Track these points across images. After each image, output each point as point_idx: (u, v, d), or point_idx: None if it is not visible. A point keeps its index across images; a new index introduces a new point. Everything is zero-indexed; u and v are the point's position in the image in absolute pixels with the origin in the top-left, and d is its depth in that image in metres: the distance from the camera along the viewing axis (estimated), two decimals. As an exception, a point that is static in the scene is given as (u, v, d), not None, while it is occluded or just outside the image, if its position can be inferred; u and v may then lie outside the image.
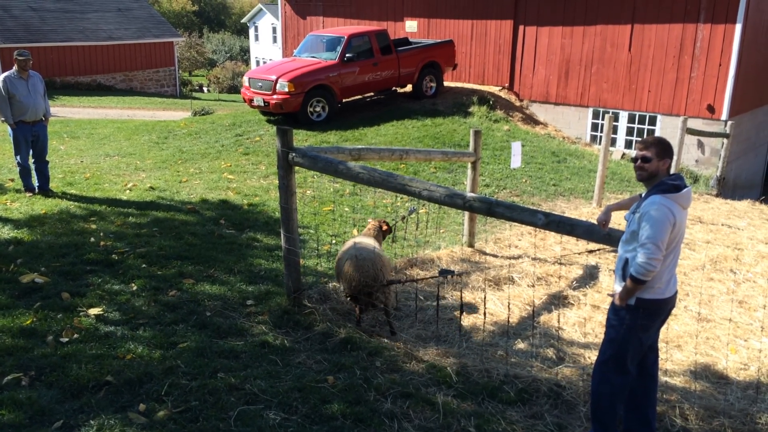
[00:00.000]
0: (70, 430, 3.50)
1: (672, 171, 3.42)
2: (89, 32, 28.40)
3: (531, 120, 15.66)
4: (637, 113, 14.61)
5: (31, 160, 8.38)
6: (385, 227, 5.91)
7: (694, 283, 6.57)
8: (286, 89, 13.33)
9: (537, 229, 4.31)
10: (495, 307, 5.92)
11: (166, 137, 13.47)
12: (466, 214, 7.41)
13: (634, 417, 3.63)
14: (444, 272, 5.64)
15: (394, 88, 15.71)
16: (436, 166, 11.10)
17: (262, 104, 13.82)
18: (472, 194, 4.43)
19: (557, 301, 6.10)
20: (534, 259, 7.13)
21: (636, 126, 14.69)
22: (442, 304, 5.80)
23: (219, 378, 4.06)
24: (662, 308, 3.41)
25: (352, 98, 15.31)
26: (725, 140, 12.42)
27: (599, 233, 3.74)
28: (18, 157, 8.28)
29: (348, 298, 5.23)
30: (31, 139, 8.25)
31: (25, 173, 8.37)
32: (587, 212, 9.22)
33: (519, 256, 7.30)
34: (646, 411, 3.61)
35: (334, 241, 7.26)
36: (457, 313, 5.66)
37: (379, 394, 4.02)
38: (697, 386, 4.55)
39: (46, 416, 3.60)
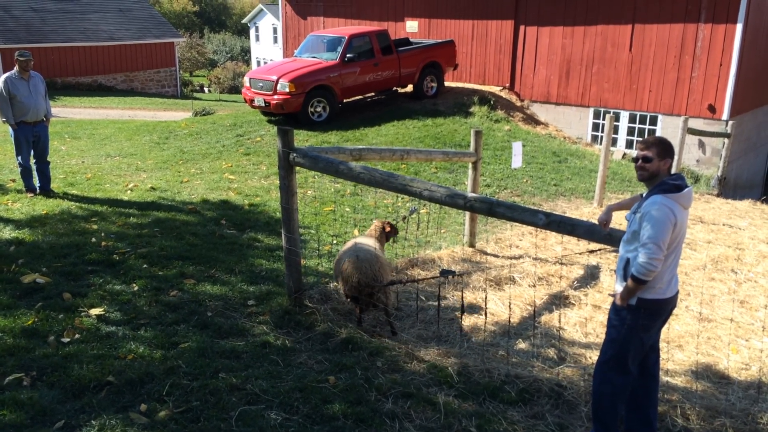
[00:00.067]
0: (72, 430, 3.50)
1: (673, 171, 3.42)
2: (90, 33, 28.43)
3: (532, 120, 15.66)
4: (638, 113, 14.61)
5: (32, 161, 8.39)
6: (388, 228, 5.85)
7: (696, 282, 6.57)
8: (287, 89, 13.34)
9: (538, 229, 4.31)
10: (496, 307, 5.92)
11: (167, 138, 13.48)
12: (467, 214, 7.41)
13: (635, 417, 3.63)
14: (445, 272, 5.64)
15: (394, 88, 15.71)
16: (437, 167, 11.10)
17: (263, 104, 13.82)
18: (473, 194, 4.43)
19: (558, 301, 6.10)
20: (535, 259, 7.13)
21: (637, 126, 14.69)
22: (443, 304, 5.80)
23: (220, 378, 4.07)
24: (663, 308, 3.41)
25: (353, 98, 15.31)
26: (726, 140, 12.41)
27: (600, 233, 3.74)
28: (19, 158, 8.29)
29: (348, 299, 5.23)
30: (33, 139, 8.26)
31: (26, 174, 8.37)
32: (588, 212, 9.22)
33: (520, 256, 7.30)
34: (647, 411, 3.61)
35: (335, 242, 7.26)
36: (458, 313, 5.66)
37: (381, 394, 4.02)
38: (699, 386, 4.54)
39: (47, 416, 3.60)
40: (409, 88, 16.10)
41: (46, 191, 8.40)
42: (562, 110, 15.76)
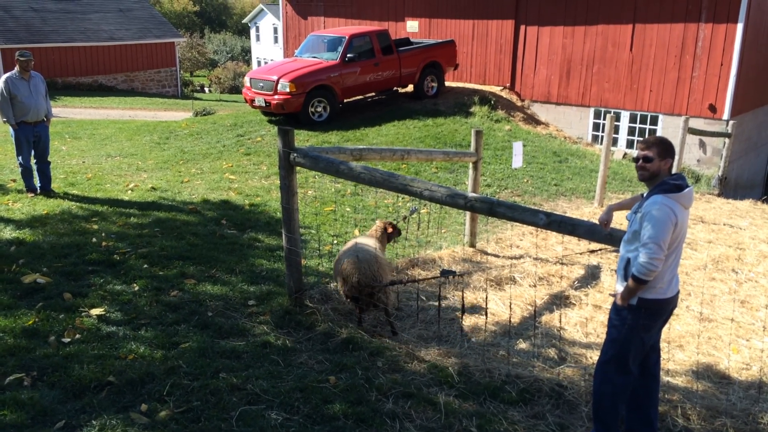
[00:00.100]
0: (72, 431, 3.50)
1: (674, 171, 3.42)
2: (90, 33, 28.44)
3: (532, 120, 15.66)
4: (639, 113, 14.61)
5: (32, 161, 8.39)
6: (390, 229, 5.81)
7: (696, 282, 6.56)
8: (288, 89, 13.34)
9: (538, 229, 4.31)
10: (496, 307, 5.91)
11: (168, 138, 13.48)
12: (468, 214, 7.41)
13: (636, 417, 3.63)
14: (445, 272, 5.64)
15: (395, 88, 15.71)
16: (438, 166, 11.10)
17: (264, 104, 13.82)
18: (474, 194, 4.43)
19: (559, 301, 6.09)
20: (535, 259, 7.13)
21: (637, 126, 14.68)
22: (443, 304, 5.80)
23: (221, 378, 4.07)
24: (664, 308, 3.41)
25: (354, 98, 15.31)
26: (727, 140, 12.40)
27: (601, 233, 3.74)
28: (20, 158, 8.29)
29: (348, 299, 5.23)
30: (33, 139, 8.27)
31: (26, 174, 8.38)
32: (589, 212, 9.21)
33: (520, 256, 7.30)
34: (648, 411, 3.61)
35: (335, 242, 7.26)
36: (458, 313, 5.66)
37: (381, 394, 4.02)
38: (699, 386, 4.54)
39: (48, 416, 3.60)
40: (410, 88, 16.10)
41: (47, 191, 8.40)
42: (562, 110, 15.76)
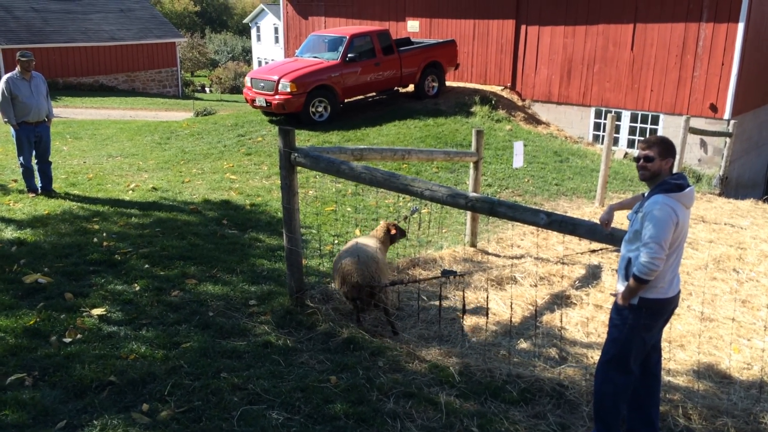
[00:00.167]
0: (74, 430, 3.51)
1: (675, 170, 3.42)
2: (91, 33, 28.46)
3: (533, 119, 15.65)
4: (640, 112, 14.60)
5: (33, 161, 8.40)
6: (393, 231, 5.76)
7: (697, 282, 6.56)
8: (289, 89, 13.34)
9: (539, 228, 4.31)
10: (497, 306, 5.91)
11: (169, 138, 13.49)
12: (469, 213, 7.41)
13: (637, 417, 3.63)
14: (447, 273, 5.64)
15: (396, 88, 15.71)
16: (439, 166, 11.10)
17: (265, 104, 13.82)
18: (475, 194, 4.43)
19: (560, 300, 6.09)
20: (536, 258, 7.13)
21: (638, 125, 14.68)
22: (444, 304, 5.80)
23: (222, 378, 4.07)
24: (665, 308, 3.41)
25: (354, 98, 15.31)
26: (728, 139, 12.40)
27: (602, 233, 3.74)
28: (21, 158, 8.30)
29: (346, 299, 5.23)
30: (34, 139, 8.27)
31: (27, 174, 8.38)
32: (590, 212, 9.21)
33: (521, 256, 7.30)
34: (649, 411, 3.61)
35: (336, 241, 7.26)
36: (459, 313, 5.66)
37: (382, 394, 4.02)
38: (700, 386, 4.54)
39: (49, 416, 3.61)
40: (411, 87, 16.10)
41: (48, 191, 8.41)
42: (563, 110, 15.75)
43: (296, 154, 4.99)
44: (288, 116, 14.03)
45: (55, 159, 9.64)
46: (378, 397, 3.98)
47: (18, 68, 8.10)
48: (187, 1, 60.54)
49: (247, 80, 14.62)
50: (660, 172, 3.33)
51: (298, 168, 5.16)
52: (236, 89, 40.49)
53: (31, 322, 4.66)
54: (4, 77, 8.14)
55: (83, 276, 5.61)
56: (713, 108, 13.48)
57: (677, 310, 3.91)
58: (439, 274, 5.99)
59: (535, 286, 6.37)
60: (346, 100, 14.88)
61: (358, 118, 14.46)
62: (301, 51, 15.42)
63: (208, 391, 3.91)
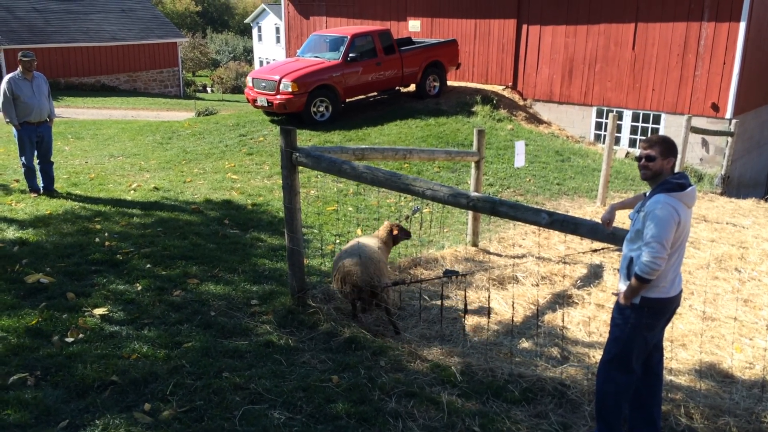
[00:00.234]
0: (76, 430, 3.51)
1: (676, 170, 3.41)
2: (93, 33, 28.47)
3: (535, 119, 15.64)
4: (641, 112, 14.58)
5: (35, 161, 8.41)
6: (395, 231, 5.72)
7: (699, 281, 6.55)
8: (290, 89, 13.34)
9: (541, 228, 4.30)
10: (499, 306, 5.91)
11: (170, 138, 13.50)
12: (470, 213, 7.41)
13: (639, 416, 3.63)
14: (448, 273, 5.64)
15: (397, 87, 15.71)
16: (440, 166, 11.10)
17: (266, 104, 13.83)
18: (476, 194, 4.43)
19: (561, 300, 6.09)
20: (538, 258, 7.12)
21: (640, 125, 14.66)
22: (446, 303, 5.80)
23: (224, 377, 4.07)
24: (667, 307, 3.41)
25: (356, 98, 15.31)
26: (730, 138, 12.38)
27: (603, 232, 3.74)
28: (23, 158, 8.31)
29: (346, 298, 5.23)
30: (36, 140, 8.28)
31: (29, 174, 8.40)
32: (591, 211, 9.21)
33: (523, 256, 7.30)
34: (651, 410, 3.60)
35: (337, 241, 7.26)
36: (461, 312, 5.66)
37: (384, 393, 4.02)
38: (702, 385, 4.54)
39: (51, 416, 3.61)
40: (412, 87, 16.10)
41: (50, 191, 8.42)
42: (564, 109, 15.74)
43: (298, 154, 5.00)
44: (289, 116, 14.04)
45: (56, 159, 9.65)
46: (380, 396, 3.99)
47: (20, 68, 8.12)
48: (189, 1, 60.57)
49: (249, 80, 14.63)
50: (662, 171, 3.33)
51: (300, 168, 5.16)
52: (238, 89, 40.48)
53: (33, 322, 4.67)
54: (6, 77, 8.15)
55: (85, 276, 5.62)
56: (715, 107, 13.46)
57: (679, 310, 3.91)
58: (441, 275, 5.99)
59: (537, 285, 6.37)
60: (347, 100, 14.88)
61: (360, 118, 14.46)
62: (303, 51, 15.43)
63: (210, 391, 3.91)
